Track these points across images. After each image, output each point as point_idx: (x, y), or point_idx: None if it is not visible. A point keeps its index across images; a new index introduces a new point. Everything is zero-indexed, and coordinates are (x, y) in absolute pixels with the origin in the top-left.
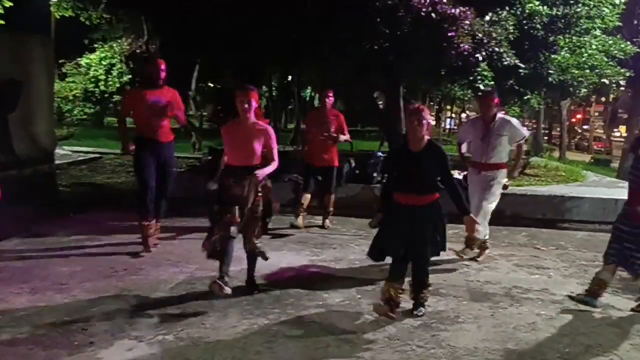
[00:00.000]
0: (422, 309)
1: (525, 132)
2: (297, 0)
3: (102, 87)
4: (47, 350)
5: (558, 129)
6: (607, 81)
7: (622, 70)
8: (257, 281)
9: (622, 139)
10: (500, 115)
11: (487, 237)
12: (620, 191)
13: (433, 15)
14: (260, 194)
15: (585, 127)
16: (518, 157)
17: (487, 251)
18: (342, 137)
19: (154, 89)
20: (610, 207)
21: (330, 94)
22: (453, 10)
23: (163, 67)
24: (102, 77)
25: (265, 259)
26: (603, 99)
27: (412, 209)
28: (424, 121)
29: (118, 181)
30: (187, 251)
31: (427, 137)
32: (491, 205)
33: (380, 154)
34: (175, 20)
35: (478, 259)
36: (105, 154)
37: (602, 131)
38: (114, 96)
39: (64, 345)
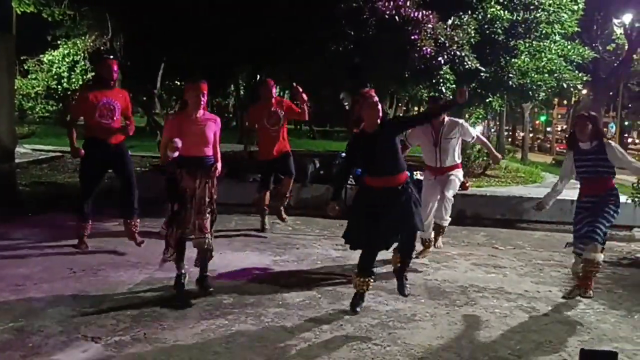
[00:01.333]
0: (408, 286)
1: (475, 132)
2: (265, 1)
3: (65, 85)
4: (0, 352)
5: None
6: (565, 85)
7: (580, 75)
8: (219, 282)
9: None
10: (447, 118)
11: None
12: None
13: (396, 18)
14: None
15: (548, 129)
16: (488, 146)
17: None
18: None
19: (105, 89)
20: (566, 208)
21: (272, 83)
22: (416, 14)
23: (115, 68)
24: (65, 74)
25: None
26: (565, 101)
27: (385, 191)
28: (378, 103)
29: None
30: (148, 252)
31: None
32: (450, 195)
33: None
34: (141, 18)
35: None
36: (67, 152)
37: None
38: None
39: (18, 347)
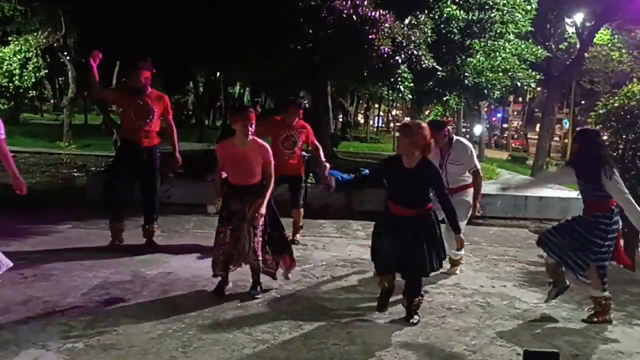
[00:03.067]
0: (417, 316)
1: (476, 164)
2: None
3: (17, 82)
4: None
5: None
6: (519, 84)
7: (533, 74)
8: (175, 286)
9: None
10: (456, 138)
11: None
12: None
13: (354, 17)
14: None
15: (504, 125)
16: (477, 190)
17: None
18: None
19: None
20: (520, 204)
21: (301, 108)
22: (373, 13)
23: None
24: (17, 71)
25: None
26: (520, 98)
27: (405, 219)
28: (422, 139)
29: (32, 181)
30: (102, 255)
31: (420, 155)
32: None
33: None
34: (94, 14)
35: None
36: (19, 152)
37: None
38: (30, 91)
39: None
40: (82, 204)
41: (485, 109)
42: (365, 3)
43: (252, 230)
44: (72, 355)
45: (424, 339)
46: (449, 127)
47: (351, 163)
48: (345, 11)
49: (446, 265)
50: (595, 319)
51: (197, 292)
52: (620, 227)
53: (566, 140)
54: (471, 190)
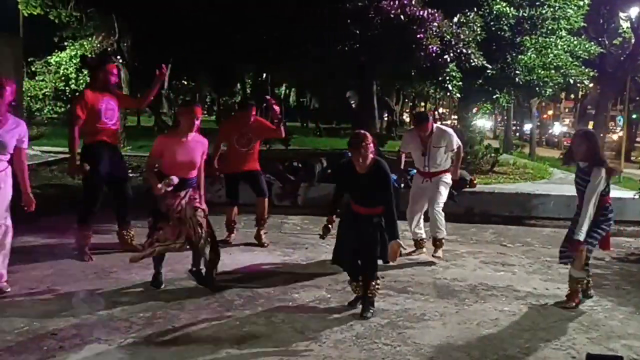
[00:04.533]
0: (372, 308)
1: (458, 142)
2: (272, 1)
3: (73, 86)
4: (15, 356)
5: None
6: (572, 81)
7: (586, 70)
8: (229, 282)
9: None
10: (435, 127)
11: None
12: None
13: (402, 17)
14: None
15: (555, 123)
16: (457, 160)
17: (440, 250)
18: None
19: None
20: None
21: (254, 110)
22: (421, 13)
23: (115, 71)
24: (73, 75)
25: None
26: (572, 95)
27: (364, 216)
28: (370, 148)
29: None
30: None
31: (371, 158)
32: (439, 208)
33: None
34: (147, 19)
35: (436, 256)
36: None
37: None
38: None
39: (33, 351)
40: (137, 204)
41: (536, 107)
42: (413, 2)
43: (193, 221)
44: (134, 350)
45: (476, 341)
46: (430, 118)
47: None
48: (393, 11)
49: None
50: (572, 303)
51: (249, 289)
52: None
53: (621, 135)
54: (446, 175)
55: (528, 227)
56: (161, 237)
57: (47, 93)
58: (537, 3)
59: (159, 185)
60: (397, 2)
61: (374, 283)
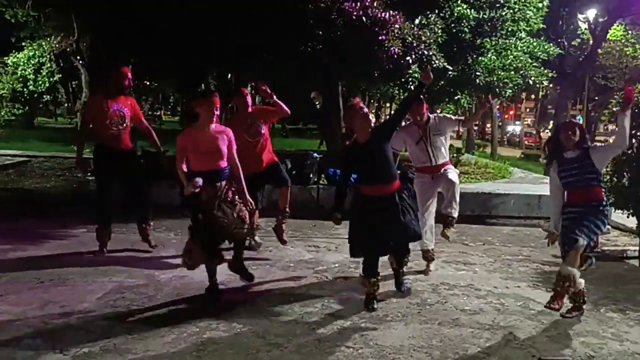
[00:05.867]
0: (407, 282)
1: (457, 118)
2: (235, 3)
3: (32, 87)
4: None
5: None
6: (531, 82)
7: (545, 72)
8: (188, 290)
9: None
10: (430, 115)
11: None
12: (544, 187)
13: (364, 19)
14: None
15: (517, 122)
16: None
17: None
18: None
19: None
20: (534, 203)
21: (246, 92)
22: (383, 14)
23: (129, 75)
24: (31, 76)
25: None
26: (533, 96)
27: (380, 199)
28: (365, 111)
29: (47, 185)
30: (116, 259)
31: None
32: (457, 192)
33: (316, 155)
34: (107, 19)
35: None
36: (34, 156)
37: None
38: (44, 96)
39: None
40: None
41: (497, 107)
42: (375, 4)
43: (229, 208)
44: (89, 359)
45: (437, 341)
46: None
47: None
48: (355, 13)
49: (422, 263)
50: (555, 305)
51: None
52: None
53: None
54: (451, 166)
55: (489, 225)
56: (199, 234)
57: (4, 95)
58: (497, 5)
59: (187, 188)
60: (359, 4)
61: (405, 259)
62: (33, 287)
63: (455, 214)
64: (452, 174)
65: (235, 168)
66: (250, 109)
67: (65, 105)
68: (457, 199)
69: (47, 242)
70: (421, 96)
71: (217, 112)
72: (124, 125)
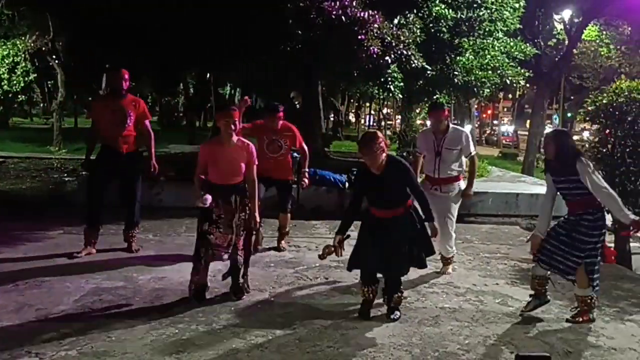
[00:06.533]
0: (398, 312)
1: (473, 151)
2: (215, 1)
3: (6, 87)
4: None
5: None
6: (508, 81)
7: (522, 71)
8: (168, 290)
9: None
10: (451, 126)
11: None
12: (522, 185)
13: (343, 18)
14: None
15: (494, 122)
16: (472, 172)
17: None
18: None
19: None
20: (511, 201)
21: (281, 113)
22: (362, 14)
23: (127, 76)
24: (5, 76)
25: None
26: (510, 95)
27: (387, 220)
28: (379, 148)
29: (22, 187)
30: (93, 261)
31: (385, 157)
32: (451, 225)
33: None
34: (83, 18)
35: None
36: (9, 157)
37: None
38: (19, 96)
39: None
40: (73, 209)
41: (476, 106)
42: (354, 4)
43: (238, 229)
44: None
45: (417, 339)
46: (446, 109)
47: (343, 163)
48: (334, 12)
49: (439, 264)
50: (579, 319)
51: (188, 296)
52: (611, 223)
53: None
54: (457, 184)
55: (467, 224)
56: (206, 243)
57: None
58: (475, 5)
59: (198, 203)
60: (338, 3)
61: (397, 296)
62: (8, 290)
63: (450, 254)
64: (451, 212)
65: (251, 185)
66: (279, 126)
67: (41, 105)
68: (451, 235)
69: (22, 245)
70: (443, 103)
71: (235, 126)
72: (126, 126)
